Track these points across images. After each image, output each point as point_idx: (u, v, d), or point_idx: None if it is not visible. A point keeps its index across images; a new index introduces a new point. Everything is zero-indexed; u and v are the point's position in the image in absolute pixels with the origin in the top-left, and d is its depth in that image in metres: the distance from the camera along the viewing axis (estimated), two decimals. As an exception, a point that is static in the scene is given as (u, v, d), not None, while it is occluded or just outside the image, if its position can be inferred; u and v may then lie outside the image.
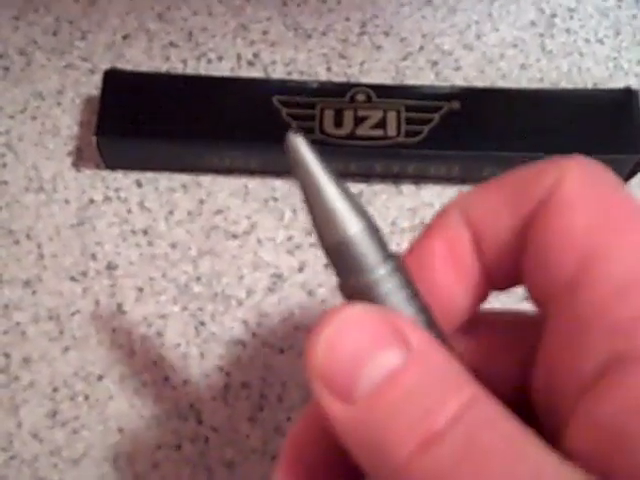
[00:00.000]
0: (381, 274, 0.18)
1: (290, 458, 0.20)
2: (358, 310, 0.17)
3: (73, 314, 0.36)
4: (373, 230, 0.18)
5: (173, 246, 0.37)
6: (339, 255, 0.18)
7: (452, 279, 0.20)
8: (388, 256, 0.18)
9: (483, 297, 0.21)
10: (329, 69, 0.42)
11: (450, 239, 0.20)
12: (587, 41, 0.42)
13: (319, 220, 0.18)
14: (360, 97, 0.38)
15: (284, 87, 0.38)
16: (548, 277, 0.18)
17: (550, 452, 0.15)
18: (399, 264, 0.18)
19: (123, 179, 0.39)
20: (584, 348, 0.17)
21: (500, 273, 0.20)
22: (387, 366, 0.16)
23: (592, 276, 0.17)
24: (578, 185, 0.18)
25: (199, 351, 0.35)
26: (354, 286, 0.18)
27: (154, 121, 0.38)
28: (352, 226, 0.18)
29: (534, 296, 0.19)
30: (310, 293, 0.36)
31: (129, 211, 0.38)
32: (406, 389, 0.16)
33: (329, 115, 0.37)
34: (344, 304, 0.17)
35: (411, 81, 0.41)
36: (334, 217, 0.18)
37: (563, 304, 0.17)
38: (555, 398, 0.17)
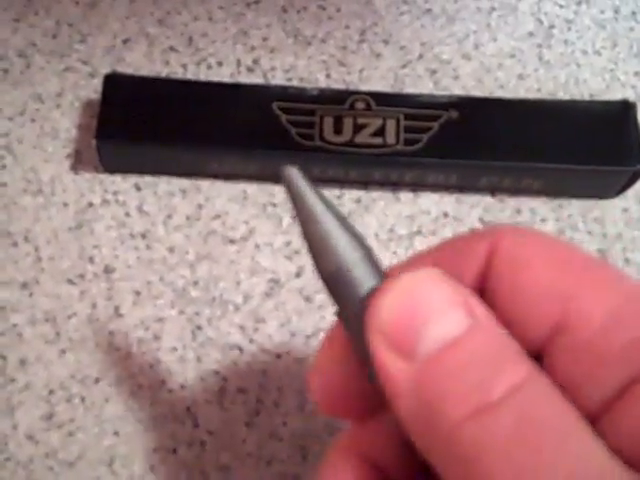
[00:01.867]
0: None
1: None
2: (432, 273, 0.17)
3: (70, 317, 0.36)
4: (370, 258, 0.18)
5: (171, 250, 0.37)
6: (337, 284, 0.18)
7: None
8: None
9: None
10: (328, 76, 0.42)
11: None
12: (584, 52, 0.43)
13: (316, 249, 0.18)
14: (360, 105, 0.38)
15: (284, 93, 0.39)
16: (527, 332, 0.18)
17: (598, 438, 0.15)
18: None
19: (122, 183, 0.39)
20: (593, 380, 0.17)
21: None
22: (452, 329, 0.16)
23: (574, 319, 0.17)
24: (517, 243, 0.19)
25: (196, 355, 0.35)
26: (354, 314, 0.18)
27: (153, 125, 0.38)
28: (350, 254, 0.18)
29: None
30: (307, 299, 0.36)
31: (127, 215, 0.38)
32: (468, 355, 0.16)
33: (328, 122, 0.38)
34: (417, 269, 0.17)
35: (410, 89, 0.41)
36: (332, 245, 0.18)
37: (555, 348, 0.18)
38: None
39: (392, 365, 0.16)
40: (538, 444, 0.15)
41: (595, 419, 0.17)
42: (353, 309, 0.18)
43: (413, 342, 0.16)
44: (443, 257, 0.20)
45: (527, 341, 0.18)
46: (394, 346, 0.16)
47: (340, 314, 0.19)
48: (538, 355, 0.18)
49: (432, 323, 0.16)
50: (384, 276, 0.18)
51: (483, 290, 0.19)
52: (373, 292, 0.17)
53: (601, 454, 0.15)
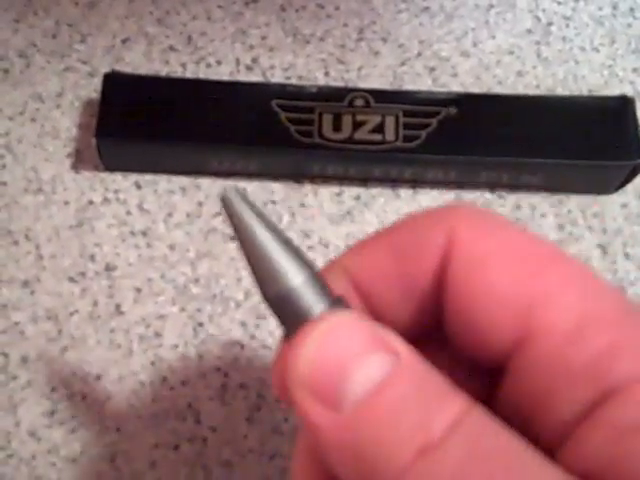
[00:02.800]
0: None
1: None
2: (345, 317, 0.17)
3: (71, 314, 0.36)
4: (317, 279, 0.18)
5: (172, 248, 0.37)
6: (283, 307, 0.17)
7: None
8: (334, 302, 0.17)
9: None
10: (327, 74, 0.42)
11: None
12: (583, 49, 0.43)
13: (258, 272, 0.18)
14: (358, 102, 0.38)
15: (283, 91, 0.39)
16: (486, 340, 0.17)
17: (550, 463, 0.15)
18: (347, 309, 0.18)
19: (122, 181, 0.39)
20: (556, 400, 0.16)
21: (404, 329, 0.19)
22: (377, 373, 0.16)
23: (538, 328, 0.16)
24: (475, 236, 0.18)
25: (197, 352, 0.35)
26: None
27: (153, 124, 0.38)
28: (293, 277, 0.17)
29: (467, 351, 0.19)
30: (308, 295, 0.36)
31: (128, 213, 0.38)
32: (398, 397, 0.15)
33: (327, 119, 0.38)
34: (330, 312, 0.17)
35: (409, 86, 0.42)
36: (274, 270, 0.17)
37: (514, 360, 0.17)
38: (532, 433, 0.17)
39: (322, 417, 0.16)
40: (490, 474, 0.14)
41: (562, 439, 0.16)
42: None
43: (337, 391, 0.16)
44: (396, 246, 0.19)
45: (490, 350, 0.18)
46: (320, 398, 0.16)
47: (286, 337, 0.18)
48: (502, 365, 0.18)
49: (354, 369, 0.16)
50: (330, 297, 0.17)
51: (442, 288, 0.18)
52: (288, 342, 0.17)
53: (557, 477, 0.15)
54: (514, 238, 0.18)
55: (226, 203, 0.18)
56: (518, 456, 0.15)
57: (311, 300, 0.17)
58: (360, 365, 0.16)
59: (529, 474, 0.14)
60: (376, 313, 0.19)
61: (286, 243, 0.18)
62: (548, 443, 0.17)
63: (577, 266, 0.17)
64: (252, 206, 0.18)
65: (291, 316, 0.17)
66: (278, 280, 0.17)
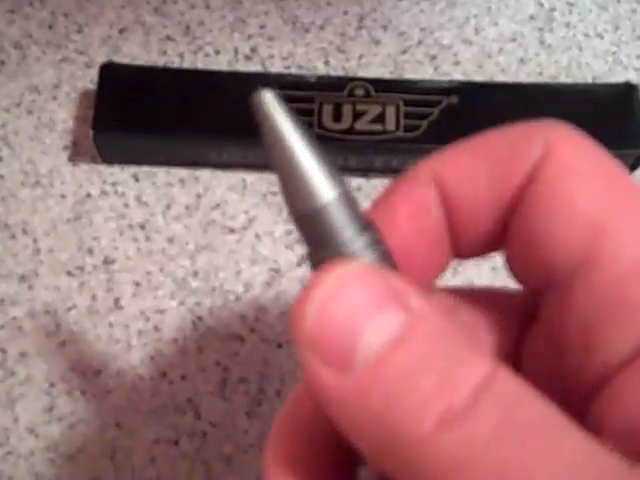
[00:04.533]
0: (356, 248, 0.16)
1: (278, 446, 0.18)
2: (354, 268, 0.15)
3: (70, 309, 0.35)
4: (348, 198, 0.16)
5: (170, 241, 0.37)
6: (310, 226, 0.16)
7: (413, 243, 0.18)
8: (364, 227, 0.16)
9: (445, 264, 0.19)
10: (327, 63, 0.41)
11: (416, 200, 0.18)
12: (586, 35, 0.42)
13: (289, 187, 0.16)
14: (359, 91, 0.38)
15: (282, 81, 0.38)
16: (549, 254, 0.17)
17: (583, 431, 0.14)
18: (376, 236, 0.17)
19: (120, 173, 0.38)
20: (610, 332, 0.15)
21: (470, 242, 0.18)
22: (390, 330, 0.14)
23: (605, 254, 0.16)
24: (572, 154, 0.17)
25: (197, 346, 0.35)
26: (326, 259, 0.16)
27: (151, 115, 0.37)
28: (325, 194, 0.16)
29: (524, 271, 0.18)
30: (308, 288, 0.36)
31: (126, 205, 0.38)
32: (414, 356, 0.14)
33: (328, 110, 0.37)
34: (336, 261, 0.15)
35: (410, 75, 0.41)
36: (306, 184, 0.16)
37: (573, 284, 0.16)
38: (566, 378, 0.17)
39: (330, 381, 0.14)
40: (525, 445, 0.13)
41: (597, 389, 0.16)
42: (327, 252, 0.16)
43: (348, 352, 0.14)
44: (487, 155, 0.18)
45: (550, 271, 0.17)
46: (328, 360, 0.14)
47: (311, 258, 0.17)
48: (561, 283, 0.17)
49: (364, 326, 0.14)
50: (360, 221, 0.16)
51: (525, 199, 0.17)
52: (295, 301, 0.15)
53: (593, 448, 0.13)
54: (606, 165, 0.17)
55: (259, 106, 0.16)
56: (553, 424, 0.14)
57: (340, 222, 0.16)
58: (371, 322, 0.14)
59: (567, 444, 0.13)
60: (454, 220, 0.18)
61: (321, 157, 0.16)
62: (581, 393, 0.16)
63: None
64: (289, 112, 0.16)
65: (317, 237, 0.16)
66: (308, 196, 0.16)
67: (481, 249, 0.19)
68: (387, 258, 0.17)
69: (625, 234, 0.16)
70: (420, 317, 0.15)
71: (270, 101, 0.16)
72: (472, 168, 0.18)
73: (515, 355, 0.19)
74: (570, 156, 0.17)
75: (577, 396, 0.16)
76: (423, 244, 0.18)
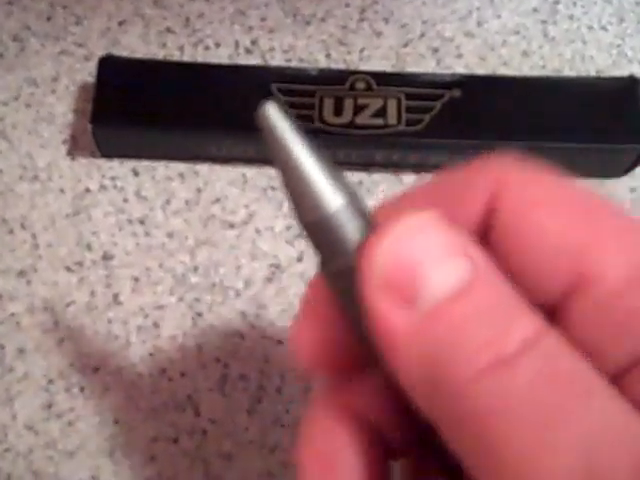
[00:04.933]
0: None
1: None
2: (430, 216, 0.16)
3: (68, 305, 0.35)
4: (356, 204, 0.17)
5: (170, 236, 0.37)
6: (321, 234, 0.17)
7: None
8: (374, 231, 0.16)
9: None
10: (328, 56, 0.41)
11: None
12: (590, 28, 0.42)
13: (296, 196, 0.16)
14: (360, 85, 0.37)
15: (283, 74, 0.38)
16: (534, 288, 0.17)
17: (618, 394, 0.15)
18: None
19: (119, 168, 0.38)
20: (609, 347, 0.16)
21: None
22: (455, 279, 0.15)
23: (589, 276, 0.16)
24: (523, 185, 0.17)
25: (196, 342, 0.35)
26: (337, 268, 0.17)
27: (150, 109, 0.37)
28: (334, 202, 0.16)
29: None
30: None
31: (125, 200, 0.37)
32: (476, 305, 0.15)
33: (328, 103, 0.37)
34: (411, 211, 0.16)
35: (412, 68, 0.40)
36: (313, 193, 0.16)
37: (564, 309, 0.16)
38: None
39: (391, 314, 0.15)
40: (560, 400, 0.14)
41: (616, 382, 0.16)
42: (339, 260, 0.17)
43: (413, 290, 0.15)
44: (439, 196, 0.18)
45: (540, 298, 0.17)
46: (393, 294, 0.15)
47: (323, 266, 0.17)
48: (552, 314, 0.17)
49: (433, 270, 0.15)
50: (371, 223, 0.17)
51: (487, 237, 0.18)
52: (366, 239, 0.16)
53: (626, 410, 0.14)
54: (563, 186, 0.17)
55: (264, 117, 0.16)
56: (590, 385, 0.14)
57: (350, 227, 0.16)
58: (439, 268, 0.15)
59: (600, 405, 0.14)
60: None
61: (327, 165, 0.16)
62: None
63: (627, 217, 0.17)
64: (293, 123, 0.16)
65: (328, 243, 0.17)
66: (317, 204, 0.16)
67: None
68: None
69: (604, 252, 0.16)
70: (484, 270, 0.15)
71: (274, 113, 0.16)
72: None
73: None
74: (522, 185, 0.17)
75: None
76: None
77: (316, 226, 0.16)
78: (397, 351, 0.15)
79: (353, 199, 0.17)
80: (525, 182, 0.17)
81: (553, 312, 0.17)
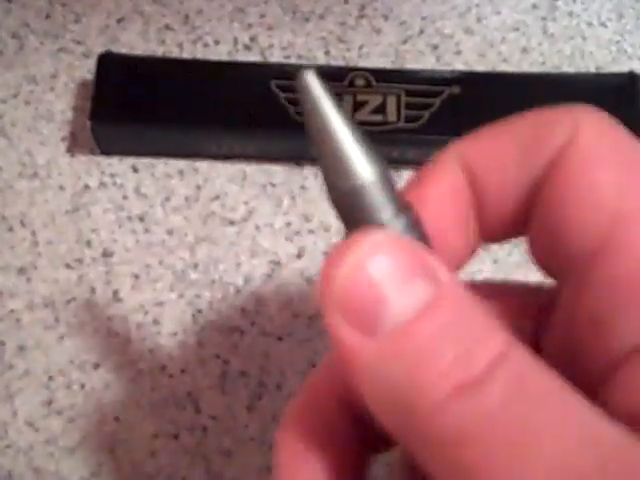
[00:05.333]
0: (395, 229, 0.16)
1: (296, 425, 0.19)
2: (386, 237, 0.15)
3: (68, 302, 0.35)
4: (387, 179, 0.16)
5: (170, 233, 0.37)
6: (350, 205, 0.16)
7: (445, 227, 0.19)
8: (402, 209, 0.16)
9: (475, 248, 0.20)
10: (327, 53, 0.41)
11: (447, 184, 0.18)
12: (590, 24, 0.42)
13: (329, 166, 0.16)
14: (359, 81, 0.37)
15: (282, 71, 0.38)
16: (569, 240, 0.17)
17: (594, 406, 0.14)
18: (414, 218, 0.17)
19: (118, 165, 0.38)
20: (622, 321, 0.16)
21: (496, 226, 0.19)
22: (417, 300, 0.15)
23: (623, 242, 0.16)
24: (597, 140, 0.17)
25: (196, 339, 0.35)
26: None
27: (149, 106, 0.37)
28: (365, 174, 0.16)
29: (546, 257, 0.18)
30: (309, 280, 0.36)
31: (125, 197, 0.37)
32: (438, 327, 0.14)
33: (328, 100, 0.37)
34: (369, 230, 0.16)
35: (411, 65, 0.40)
36: (347, 163, 0.16)
37: (590, 271, 0.16)
38: (579, 363, 0.17)
39: (352, 342, 0.15)
40: (531, 420, 0.14)
41: (610, 375, 0.16)
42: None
43: (373, 315, 0.15)
44: (521, 134, 0.18)
45: (572, 252, 0.17)
46: (353, 320, 0.15)
47: (348, 237, 0.17)
48: (579, 269, 0.17)
49: (393, 294, 0.15)
50: (399, 202, 0.17)
51: (548, 180, 0.17)
52: (325, 262, 0.16)
53: (603, 421, 0.14)
54: (630, 152, 0.17)
55: (303, 85, 0.16)
56: (564, 398, 0.14)
57: (380, 202, 0.16)
58: (399, 290, 0.15)
59: (577, 418, 0.14)
60: (481, 204, 0.19)
61: (362, 138, 0.16)
62: (594, 377, 0.16)
63: None
64: (330, 93, 0.16)
65: (355, 216, 0.16)
66: (349, 175, 0.16)
67: (505, 233, 0.19)
68: (425, 240, 0.17)
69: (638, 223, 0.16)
70: (447, 290, 0.15)
71: (313, 81, 0.16)
72: (499, 153, 0.18)
73: (533, 343, 0.19)
74: (594, 142, 0.17)
75: (588, 381, 0.16)
76: (454, 228, 0.19)
77: (347, 195, 0.16)
78: (360, 379, 0.15)
79: (385, 174, 0.16)
80: (598, 136, 0.17)
81: (581, 271, 0.17)
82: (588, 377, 0.16)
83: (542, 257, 0.19)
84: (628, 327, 0.16)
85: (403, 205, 0.17)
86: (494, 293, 0.20)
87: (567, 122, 0.17)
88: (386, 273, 0.15)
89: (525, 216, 0.18)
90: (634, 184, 0.17)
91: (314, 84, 0.16)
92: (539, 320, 0.19)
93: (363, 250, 0.15)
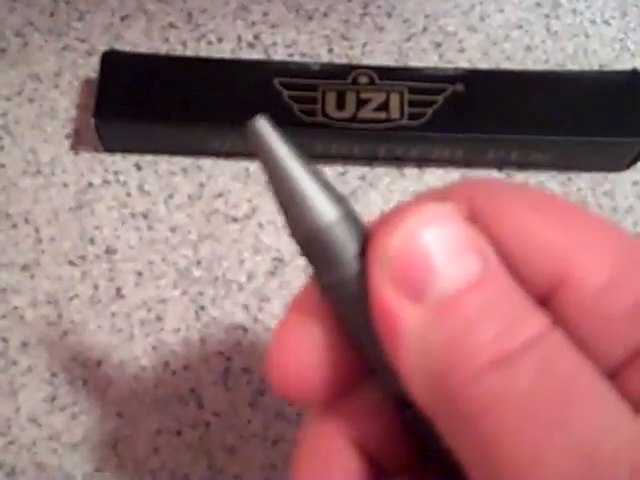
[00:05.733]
0: (358, 268, 0.16)
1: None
2: (447, 209, 0.16)
3: (71, 298, 0.35)
4: (349, 216, 0.16)
5: (173, 230, 0.37)
6: (313, 246, 0.16)
7: None
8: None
9: None
10: (331, 51, 0.41)
11: None
12: (593, 22, 0.42)
13: (290, 210, 0.16)
14: (362, 79, 0.37)
15: (285, 69, 0.38)
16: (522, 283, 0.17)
17: (618, 393, 0.14)
18: None
19: (122, 162, 0.38)
20: (596, 344, 0.16)
21: None
22: (466, 274, 0.15)
23: (572, 277, 0.16)
24: (497, 195, 0.17)
25: (199, 336, 0.35)
26: (335, 280, 0.16)
27: (153, 103, 0.37)
28: (325, 215, 0.16)
29: None
30: (312, 277, 0.36)
31: (128, 194, 0.37)
32: (483, 302, 0.15)
33: (331, 97, 0.37)
34: (429, 202, 0.16)
35: (414, 63, 0.40)
36: (307, 206, 0.16)
37: (549, 309, 0.16)
38: None
39: (399, 308, 0.15)
40: (563, 398, 0.14)
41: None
42: (336, 272, 0.16)
43: (424, 283, 0.15)
44: None
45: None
46: (402, 286, 0.15)
47: (318, 279, 0.17)
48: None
49: (444, 265, 0.15)
50: (366, 235, 0.16)
51: None
52: (377, 229, 0.16)
53: (627, 412, 0.14)
54: (533, 193, 0.18)
55: (253, 132, 0.16)
56: (593, 383, 0.14)
57: (346, 240, 0.16)
58: (451, 262, 0.15)
59: (602, 404, 0.14)
60: None
61: (320, 178, 0.16)
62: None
63: (601, 219, 0.17)
64: (282, 136, 0.16)
65: (324, 255, 0.16)
66: (310, 218, 0.16)
67: None
68: None
69: (585, 255, 0.16)
70: (495, 267, 0.15)
71: (264, 127, 0.16)
72: None
73: None
74: (494, 197, 0.17)
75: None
76: None
77: (311, 239, 0.16)
78: (402, 346, 0.15)
79: (348, 211, 0.16)
80: (499, 192, 0.17)
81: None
82: None
83: None
84: (599, 358, 0.16)
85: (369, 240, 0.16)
86: None
87: (458, 196, 0.17)
88: (440, 244, 0.15)
89: None
90: (552, 218, 0.17)
91: (266, 130, 0.16)
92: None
93: (420, 218, 0.15)
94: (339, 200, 0.16)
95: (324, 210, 0.16)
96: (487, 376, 0.14)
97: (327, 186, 0.16)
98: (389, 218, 0.16)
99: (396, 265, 0.15)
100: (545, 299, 0.16)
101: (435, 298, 0.15)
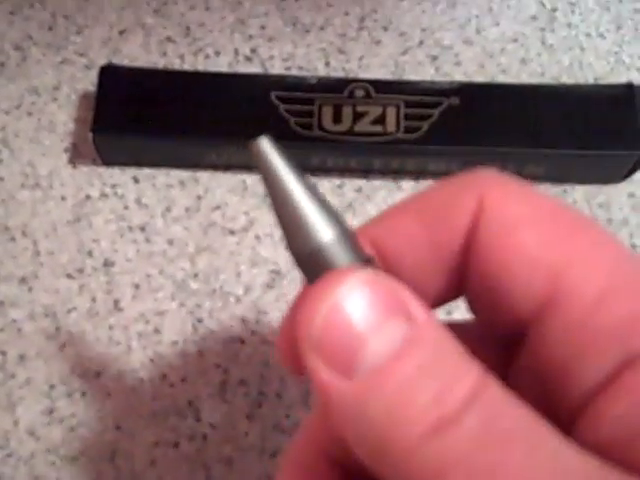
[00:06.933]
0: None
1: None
2: (364, 275, 0.16)
3: (69, 311, 0.35)
4: (348, 237, 0.17)
5: (170, 243, 0.37)
6: (312, 265, 0.17)
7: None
8: (364, 264, 0.17)
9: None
10: (328, 64, 0.41)
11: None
12: (588, 35, 0.42)
13: (289, 228, 0.17)
14: (359, 93, 0.38)
15: (282, 83, 0.38)
16: (511, 304, 0.17)
17: (565, 438, 0.14)
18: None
19: (120, 175, 0.38)
20: (581, 365, 0.16)
21: (426, 298, 0.19)
22: (393, 340, 0.15)
23: (563, 293, 0.16)
24: (505, 201, 0.17)
25: (197, 348, 0.35)
26: None
27: (151, 117, 0.37)
28: (324, 235, 0.17)
29: (487, 314, 0.19)
30: (309, 290, 0.36)
31: (126, 207, 0.38)
32: (414, 367, 0.15)
33: (327, 111, 0.37)
34: (347, 268, 0.16)
35: (410, 76, 0.41)
36: (305, 225, 0.17)
37: (540, 324, 0.17)
38: (550, 398, 0.17)
39: (333, 384, 0.15)
40: (508, 451, 0.14)
41: (580, 410, 0.16)
42: None
43: (352, 358, 0.15)
44: (425, 213, 0.18)
45: (514, 314, 0.17)
46: (332, 363, 0.15)
47: None
48: (522, 332, 0.17)
49: (370, 335, 0.15)
50: (361, 257, 0.17)
51: (470, 252, 0.18)
52: (299, 301, 0.16)
53: (574, 453, 0.14)
54: (543, 203, 0.18)
55: (257, 152, 0.17)
56: (536, 431, 0.14)
57: (341, 259, 0.17)
58: (375, 331, 0.15)
59: (548, 451, 0.14)
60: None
61: (318, 198, 0.17)
62: (565, 415, 0.16)
63: (604, 234, 0.17)
64: (285, 157, 0.17)
65: (319, 274, 0.17)
66: (308, 236, 0.17)
67: (439, 301, 0.19)
68: None
69: (580, 268, 0.16)
70: (422, 329, 0.15)
71: (267, 147, 0.17)
72: (408, 232, 0.18)
73: (502, 371, 0.19)
74: (503, 204, 0.17)
75: (562, 411, 0.17)
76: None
77: (308, 257, 0.17)
78: (341, 420, 0.15)
79: (343, 233, 0.17)
80: (506, 198, 0.18)
81: (526, 329, 0.17)
82: (561, 408, 0.17)
83: (483, 314, 0.19)
84: (588, 370, 0.16)
85: (365, 260, 0.17)
86: (462, 331, 0.21)
87: (471, 189, 0.18)
88: (362, 314, 0.15)
89: (457, 283, 0.19)
90: (554, 234, 0.17)
91: (268, 150, 0.17)
92: (507, 358, 0.19)
93: (339, 291, 0.15)
94: (336, 219, 0.17)
95: (321, 230, 0.17)
96: (430, 443, 0.14)
97: (325, 206, 0.17)
98: (309, 292, 0.16)
99: (323, 344, 0.15)
100: (537, 315, 0.17)
101: (366, 371, 0.15)
